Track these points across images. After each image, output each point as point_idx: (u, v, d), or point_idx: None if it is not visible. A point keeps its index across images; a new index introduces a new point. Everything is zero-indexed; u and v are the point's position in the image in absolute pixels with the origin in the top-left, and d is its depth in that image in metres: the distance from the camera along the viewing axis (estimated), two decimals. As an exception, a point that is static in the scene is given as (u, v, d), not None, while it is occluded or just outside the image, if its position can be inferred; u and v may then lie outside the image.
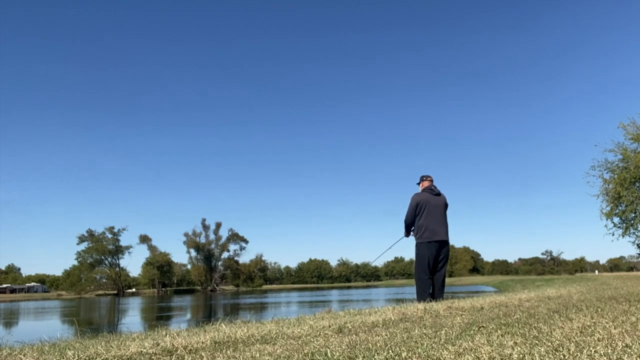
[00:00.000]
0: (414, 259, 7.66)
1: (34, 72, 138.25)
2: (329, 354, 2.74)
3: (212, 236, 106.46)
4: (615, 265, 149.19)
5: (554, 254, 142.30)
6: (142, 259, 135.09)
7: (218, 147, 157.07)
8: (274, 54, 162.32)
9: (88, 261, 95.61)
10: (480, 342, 2.76)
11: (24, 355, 3.21)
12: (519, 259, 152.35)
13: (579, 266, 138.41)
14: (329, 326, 4.13)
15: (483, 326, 3.56)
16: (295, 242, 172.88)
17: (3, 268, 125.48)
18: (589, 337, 2.76)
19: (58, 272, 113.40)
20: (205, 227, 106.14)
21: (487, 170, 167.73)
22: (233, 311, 25.60)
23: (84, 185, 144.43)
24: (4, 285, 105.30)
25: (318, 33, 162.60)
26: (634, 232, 23.12)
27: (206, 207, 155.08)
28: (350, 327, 4.14)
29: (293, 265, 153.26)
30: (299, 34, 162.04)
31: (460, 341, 2.87)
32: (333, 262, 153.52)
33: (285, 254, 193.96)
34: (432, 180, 7.82)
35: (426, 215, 7.47)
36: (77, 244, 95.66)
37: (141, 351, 3.26)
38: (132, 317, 28.11)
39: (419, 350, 2.67)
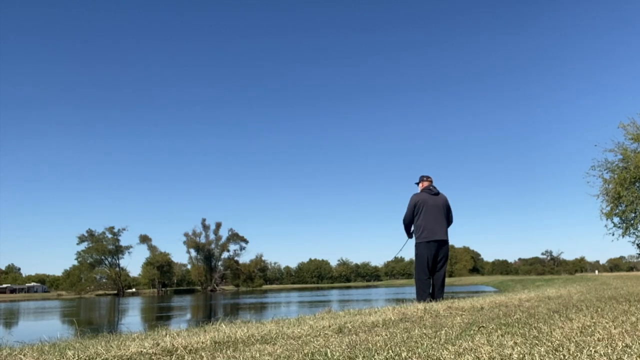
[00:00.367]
0: (414, 259, 7.67)
1: (34, 71, 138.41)
2: (329, 354, 2.74)
3: (212, 236, 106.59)
4: (615, 265, 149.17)
5: (554, 254, 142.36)
6: (142, 259, 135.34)
7: (218, 147, 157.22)
8: (274, 54, 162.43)
9: (88, 261, 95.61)
10: (480, 342, 2.76)
11: (24, 355, 3.21)
12: (519, 259, 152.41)
13: (579, 266, 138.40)
14: (329, 326, 4.13)
15: (483, 326, 3.56)
16: (295, 242, 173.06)
17: (3, 268, 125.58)
18: (589, 337, 2.75)
19: (58, 272, 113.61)
20: (205, 227, 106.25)
21: (487, 170, 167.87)
22: (233, 311, 25.60)
23: (84, 185, 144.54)
24: (4, 285, 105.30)
25: (318, 33, 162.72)
26: (634, 232, 23.12)
27: (206, 207, 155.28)
28: (350, 327, 4.14)
29: (293, 265, 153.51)
30: (299, 34, 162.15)
31: (460, 341, 2.87)
32: (333, 262, 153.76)
33: (285, 254, 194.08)
34: (431, 181, 7.83)
35: (424, 215, 7.47)
36: (77, 244, 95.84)
37: (141, 351, 3.26)
38: (132, 317, 28.11)
39: (419, 350, 2.67)
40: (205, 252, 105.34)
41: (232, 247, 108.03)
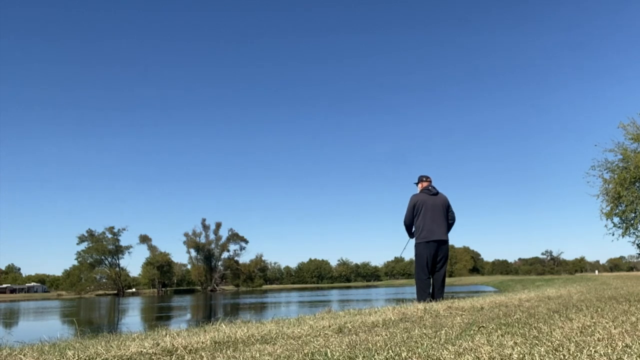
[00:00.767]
0: (414, 259, 7.68)
1: (34, 72, 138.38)
2: (329, 354, 2.74)
3: (212, 236, 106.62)
4: (615, 265, 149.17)
5: (554, 254, 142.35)
6: (142, 259, 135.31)
7: (218, 147, 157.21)
8: (274, 54, 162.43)
9: (88, 261, 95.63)
10: (480, 342, 2.76)
11: (24, 355, 3.21)
12: (519, 259, 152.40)
13: (579, 266, 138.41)
14: (329, 326, 4.13)
15: (483, 326, 3.56)
16: (295, 242, 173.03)
17: (3, 268, 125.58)
18: (589, 337, 2.75)
19: (58, 272, 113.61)
20: (205, 227, 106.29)
21: (487, 170, 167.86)
22: (233, 311, 25.60)
23: (84, 185, 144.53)
24: (4, 285, 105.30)
25: (318, 33, 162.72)
26: (634, 232, 23.11)
27: (206, 207, 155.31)
28: (350, 327, 4.14)
29: (293, 265, 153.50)
30: (299, 34, 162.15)
31: (460, 341, 2.87)
32: (333, 262, 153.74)
33: (285, 254, 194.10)
34: (430, 181, 7.83)
35: (424, 215, 7.48)
36: (77, 244, 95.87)
37: (141, 351, 3.26)
38: (132, 317, 28.11)
39: (419, 350, 2.67)
40: (205, 252, 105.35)
41: (232, 247, 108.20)
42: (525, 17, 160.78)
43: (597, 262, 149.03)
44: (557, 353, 2.39)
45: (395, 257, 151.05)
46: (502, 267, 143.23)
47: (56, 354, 3.27)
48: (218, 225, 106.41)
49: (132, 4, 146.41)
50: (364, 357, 2.62)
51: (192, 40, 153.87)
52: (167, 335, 3.92)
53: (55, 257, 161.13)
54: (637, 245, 23.86)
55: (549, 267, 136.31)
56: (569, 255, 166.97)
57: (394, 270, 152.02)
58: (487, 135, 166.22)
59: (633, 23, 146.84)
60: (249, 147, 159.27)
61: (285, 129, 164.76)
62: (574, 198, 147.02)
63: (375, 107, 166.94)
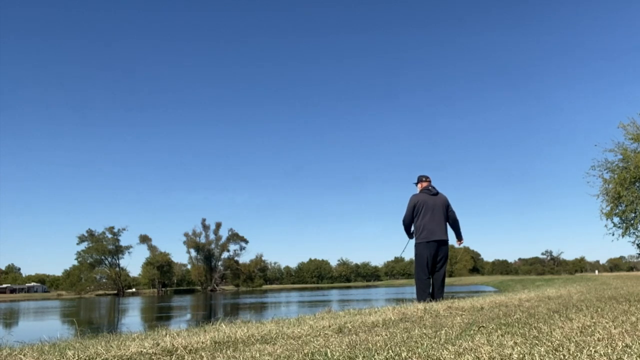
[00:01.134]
0: (414, 259, 7.68)
1: (34, 72, 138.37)
2: (329, 354, 2.74)
3: (212, 236, 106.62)
4: (615, 265, 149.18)
5: (554, 254, 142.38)
6: (142, 259, 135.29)
7: (218, 147, 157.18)
8: (274, 54, 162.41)
9: (88, 261, 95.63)
10: (480, 342, 2.76)
11: (24, 355, 3.21)
12: (519, 259, 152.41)
13: (579, 266, 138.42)
14: (329, 326, 4.13)
15: (483, 326, 3.56)
16: (295, 242, 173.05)
17: (3, 268, 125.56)
18: (589, 337, 2.76)
19: (58, 272, 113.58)
20: (205, 227, 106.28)
21: (487, 170, 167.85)
22: (233, 311, 25.61)
23: (84, 185, 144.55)
24: (4, 285, 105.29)
25: (318, 33, 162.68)
26: (634, 232, 23.12)
27: (206, 207, 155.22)
28: (350, 327, 4.14)
29: (293, 265, 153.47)
30: (298, 34, 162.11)
31: (460, 341, 2.87)
32: (333, 262, 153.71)
33: (285, 254, 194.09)
34: (430, 181, 7.84)
35: (424, 215, 7.49)
36: (77, 244, 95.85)
37: (141, 351, 3.26)
38: (132, 317, 28.11)
39: (419, 350, 2.67)
40: (205, 252, 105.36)
41: (232, 247, 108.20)
42: (525, 17, 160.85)
43: (597, 262, 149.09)
44: (557, 353, 2.39)
45: (395, 257, 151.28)
46: (502, 267, 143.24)
47: (56, 354, 3.27)
48: (218, 225, 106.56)
49: (132, 4, 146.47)
50: (364, 357, 2.62)
51: (192, 40, 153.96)
52: (167, 335, 3.92)
53: (55, 257, 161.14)
54: (637, 245, 23.87)
55: (549, 267, 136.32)
56: (569, 255, 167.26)
57: (394, 270, 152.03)
58: (487, 135, 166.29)
59: (633, 23, 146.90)
60: (249, 147, 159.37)
61: (285, 129, 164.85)
62: (574, 198, 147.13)
63: (375, 107, 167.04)
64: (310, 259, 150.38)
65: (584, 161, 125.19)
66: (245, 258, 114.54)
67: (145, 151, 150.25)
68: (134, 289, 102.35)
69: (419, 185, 7.87)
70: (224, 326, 4.48)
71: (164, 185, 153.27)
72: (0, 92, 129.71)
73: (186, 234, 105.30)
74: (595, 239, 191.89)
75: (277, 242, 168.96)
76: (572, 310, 4.42)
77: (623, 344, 2.49)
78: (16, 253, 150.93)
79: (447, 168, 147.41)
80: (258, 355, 2.94)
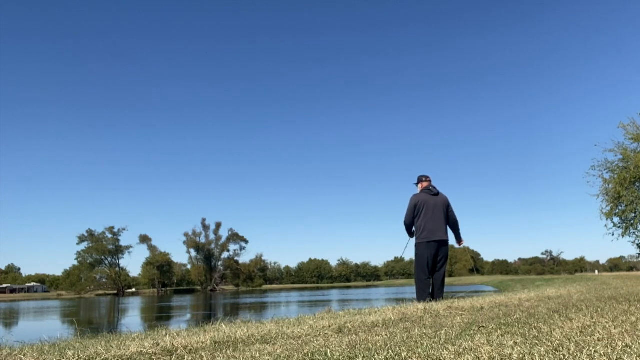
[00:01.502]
0: (414, 259, 7.68)
1: (34, 72, 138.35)
2: (329, 354, 2.74)
3: (212, 236, 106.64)
4: (615, 265, 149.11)
5: (554, 254, 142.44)
6: (142, 259, 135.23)
7: (218, 147, 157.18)
8: (274, 54, 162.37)
9: (88, 261, 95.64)
10: (480, 342, 2.76)
11: (24, 355, 3.21)
12: (519, 259, 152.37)
13: (579, 266, 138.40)
14: (329, 326, 4.13)
15: (483, 326, 3.56)
16: (295, 242, 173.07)
17: (3, 268, 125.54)
18: (589, 337, 2.75)
19: (58, 272, 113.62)
20: (205, 227, 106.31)
21: (487, 170, 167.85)
22: (233, 311, 25.61)
23: (84, 185, 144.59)
24: (4, 285, 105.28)
25: (318, 33, 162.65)
26: (634, 232, 23.11)
27: (206, 207, 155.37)
28: (350, 327, 4.14)
29: (293, 265, 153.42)
30: (298, 34, 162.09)
31: (460, 341, 2.87)
32: (333, 262, 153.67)
33: (285, 254, 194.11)
34: (430, 181, 7.83)
35: (424, 215, 7.49)
36: (77, 244, 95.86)
37: (141, 351, 3.26)
38: (132, 317, 28.11)
39: (419, 350, 2.67)
40: (205, 252, 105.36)
41: (232, 247, 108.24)
42: (525, 17, 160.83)
43: (597, 262, 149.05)
44: (557, 353, 2.39)
45: (395, 257, 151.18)
46: (502, 267, 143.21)
47: (56, 354, 3.27)
48: (218, 225, 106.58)
49: (132, 4, 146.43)
50: (364, 357, 2.62)
51: (192, 40, 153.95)
52: (167, 335, 3.92)
53: (55, 257, 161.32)
54: (637, 245, 23.87)
55: (549, 267, 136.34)
56: (569, 255, 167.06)
57: (394, 270, 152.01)
58: (487, 135, 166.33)
59: (633, 23, 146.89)
60: (249, 147, 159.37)
61: (285, 129, 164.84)
62: (574, 198, 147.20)
63: (375, 107, 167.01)
64: (310, 259, 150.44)
65: (584, 161, 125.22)
66: (245, 258, 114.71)
67: (145, 151, 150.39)
68: (134, 289, 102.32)
69: (420, 185, 7.87)
70: (224, 326, 4.48)
71: (164, 185, 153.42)
72: (0, 92, 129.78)
73: (186, 234, 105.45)
74: (595, 239, 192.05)
75: (277, 242, 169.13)
76: (572, 310, 4.42)
77: (623, 344, 2.49)
78: (16, 253, 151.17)
79: (447, 168, 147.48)
80: (258, 355, 2.94)
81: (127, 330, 5.16)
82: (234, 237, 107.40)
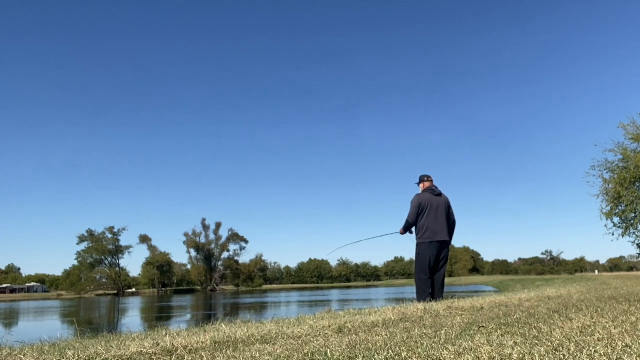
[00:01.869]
0: (414, 258, 7.67)
1: (34, 72, 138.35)
2: (329, 354, 2.74)
3: (212, 236, 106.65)
4: (615, 265, 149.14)
5: (554, 254, 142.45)
6: (142, 259, 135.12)
7: (218, 147, 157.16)
8: (274, 54, 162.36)
9: (88, 261, 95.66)
10: (480, 342, 2.76)
11: (24, 355, 3.21)
12: (519, 259, 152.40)
13: (579, 266, 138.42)
14: (329, 326, 4.13)
15: (483, 326, 3.56)
16: (295, 242, 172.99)
17: (3, 268, 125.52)
18: (589, 337, 2.76)
19: (58, 272, 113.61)
20: (205, 227, 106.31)
21: (486, 170, 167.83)
22: (233, 311, 25.61)
23: (84, 185, 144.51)
24: (4, 285, 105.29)
25: (318, 33, 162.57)
26: (634, 232, 23.13)
27: (206, 207, 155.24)
28: (350, 327, 4.14)
29: (293, 265, 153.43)
30: (298, 34, 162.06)
31: (460, 341, 2.87)
32: (333, 262, 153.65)
33: (285, 254, 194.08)
34: (432, 181, 7.83)
35: (427, 215, 7.49)
36: (77, 244, 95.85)
37: (141, 351, 3.26)
38: (132, 317, 28.12)
39: (419, 350, 2.67)
40: (205, 252, 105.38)
41: (232, 247, 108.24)
42: (525, 17, 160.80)
43: (597, 262, 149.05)
44: (557, 353, 2.39)
45: (395, 257, 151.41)
46: (502, 267, 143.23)
47: (56, 354, 3.27)
48: (218, 225, 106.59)
49: (132, 4, 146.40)
50: (364, 357, 2.62)
51: (192, 40, 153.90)
52: (167, 335, 3.92)
53: (55, 257, 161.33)
54: (637, 245, 23.88)
55: (549, 267, 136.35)
56: (569, 255, 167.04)
57: (394, 270, 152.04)
58: (487, 135, 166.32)
59: (633, 22, 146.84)
60: (249, 147, 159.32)
61: (285, 129, 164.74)
62: (574, 198, 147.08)
63: (375, 107, 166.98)
64: (310, 259, 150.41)
65: (584, 161, 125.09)
66: (245, 258, 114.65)
67: (145, 151, 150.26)
68: (134, 289, 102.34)
69: (422, 185, 7.85)
70: (224, 326, 4.48)
71: (164, 185, 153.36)
72: (0, 92, 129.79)
73: (186, 234, 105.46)
74: (595, 239, 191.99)
75: (277, 242, 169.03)
76: (572, 310, 4.42)
77: (623, 344, 2.49)
78: (16, 253, 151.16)
79: (447, 168, 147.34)
80: (258, 355, 2.94)
81: (127, 330, 5.17)
82: (234, 237, 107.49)
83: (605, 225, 23.26)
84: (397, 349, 2.76)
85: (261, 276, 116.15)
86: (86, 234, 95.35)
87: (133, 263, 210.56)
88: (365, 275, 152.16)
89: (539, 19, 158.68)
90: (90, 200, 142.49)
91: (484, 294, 10.26)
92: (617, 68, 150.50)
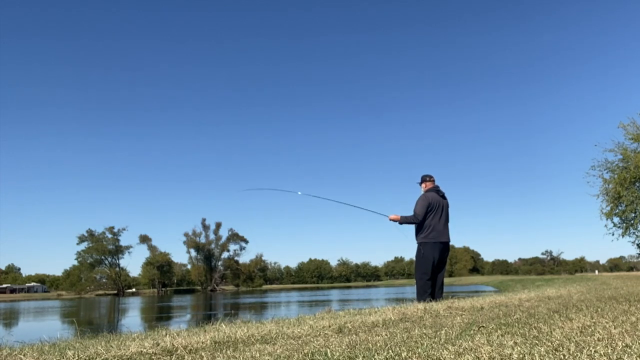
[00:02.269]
0: (415, 258, 7.65)
1: (34, 72, 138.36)
2: (329, 354, 2.74)
3: (212, 236, 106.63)
4: (615, 265, 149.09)
5: (554, 254, 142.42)
6: (142, 259, 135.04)
7: (218, 147, 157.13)
8: (274, 54, 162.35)
9: (88, 261, 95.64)
10: (480, 342, 2.76)
11: (24, 355, 3.21)
12: (519, 259, 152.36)
13: (579, 266, 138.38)
14: (329, 326, 4.13)
15: (483, 326, 3.56)
16: (295, 242, 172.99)
17: (3, 268, 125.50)
18: (589, 337, 2.75)
19: (58, 272, 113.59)
20: (205, 227, 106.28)
21: (486, 170, 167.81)
22: (233, 311, 25.60)
23: (84, 185, 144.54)
24: (4, 285, 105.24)
25: (317, 33, 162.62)
26: (634, 232, 23.12)
27: (206, 207, 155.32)
28: (350, 327, 4.14)
29: (293, 265, 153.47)
30: (297, 34, 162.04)
31: (460, 341, 2.87)
32: (333, 262, 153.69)
33: (285, 254, 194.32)
34: (434, 181, 7.83)
35: (434, 215, 7.48)
36: (77, 244, 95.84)
37: (141, 351, 3.26)
38: (132, 317, 28.11)
39: (419, 350, 2.67)
40: (205, 252, 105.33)
41: (232, 247, 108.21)
42: (525, 17, 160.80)
43: (597, 262, 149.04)
44: (557, 353, 2.39)
45: (395, 257, 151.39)
46: (502, 267, 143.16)
47: (56, 354, 3.27)
48: (218, 225, 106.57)
49: (132, 4, 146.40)
50: (364, 357, 2.62)
51: (192, 40, 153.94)
52: (167, 335, 3.92)
53: (55, 257, 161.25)
54: (637, 245, 23.87)
55: (549, 267, 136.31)
56: (569, 255, 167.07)
57: (394, 270, 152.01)
58: (487, 135, 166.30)
59: (633, 22, 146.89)
60: (249, 147, 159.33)
61: (285, 129, 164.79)
62: (574, 198, 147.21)
63: (375, 107, 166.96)
64: (310, 259, 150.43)
65: (584, 161, 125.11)
66: (245, 258, 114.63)
67: (145, 151, 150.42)
68: (134, 289, 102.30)
69: (424, 185, 7.81)
70: (224, 326, 4.47)
71: (164, 185, 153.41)
72: (0, 92, 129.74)
73: (186, 234, 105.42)
74: (595, 239, 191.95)
75: (277, 242, 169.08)
76: (572, 310, 4.42)
77: (623, 344, 2.49)
78: (16, 253, 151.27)
79: (447, 168, 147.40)
80: (258, 355, 2.94)
81: (127, 330, 5.16)
82: (234, 237, 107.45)
83: (605, 225, 23.28)
84: (397, 349, 2.76)
85: (261, 276, 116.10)
86: (86, 234, 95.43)
87: (133, 263, 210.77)
88: (365, 275, 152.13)
89: (539, 19, 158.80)
90: (90, 200, 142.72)
91: (484, 294, 10.26)
92: (617, 68, 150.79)
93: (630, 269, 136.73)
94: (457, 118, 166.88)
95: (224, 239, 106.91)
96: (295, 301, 36.78)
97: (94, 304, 49.92)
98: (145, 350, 3.27)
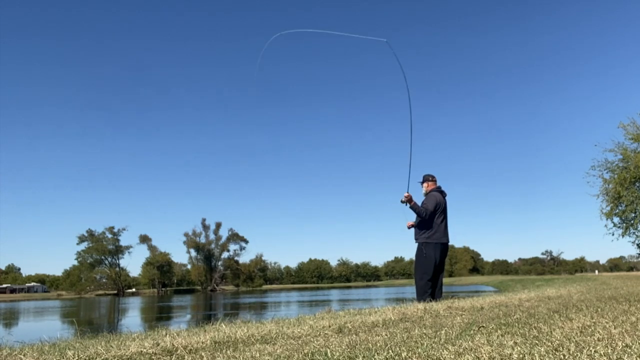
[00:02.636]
0: (415, 258, 7.64)
1: (34, 72, 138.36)
2: (329, 354, 2.74)
3: (212, 236, 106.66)
4: (615, 265, 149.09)
5: (554, 254, 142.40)
6: (142, 259, 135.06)
7: (218, 147, 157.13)
8: (274, 54, 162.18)
9: (88, 261, 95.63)
10: (480, 342, 2.76)
11: (24, 355, 3.21)
12: (519, 259, 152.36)
13: (579, 266, 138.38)
14: (329, 326, 4.13)
15: (483, 326, 3.56)
16: (295, 242, 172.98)
17: (3, 268, 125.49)
18: (589, 337, 2.75)
19: (58, 272, 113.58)
20: (205, 227, 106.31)
21: (486, 170, 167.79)
22: (233, 311, 25.59)
23: (84, 185, 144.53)
24: (4, 285, 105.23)
25: (317, 33, 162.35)
26: (634, 232, 23.12)
27: (206, 207, 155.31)
28: (350, 327, 4.14)
29: (293, 265, 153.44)
30: (297, 34, 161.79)
31: (460, 341, 2.87)
32: (333, 262, 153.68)
33: (285, 254, 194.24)
34: (435, 181, 7.82)
35: (439, 216, 7.49)
36: (77, 244, 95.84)
37: (141, 351, 3.26)
38: (132, 317, 28.11)
39: (419, 350, 2.67)
40: (205, 252, 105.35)
41: (232, 247, 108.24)
42: (525, 17, 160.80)
43: (597, 262, 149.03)
44: (557, 353, 2.39)
45: (395, 257, 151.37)
46: (502, 267, 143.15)
47: (56, 354, 3.27)
48: (218, 225, 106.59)
49: (132, 4, 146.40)
50: (364, 357, 2.62)
51: (192, 40, 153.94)
52: (167, 335, 3.92)
53: (55, 257, 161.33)
54: (637, 245, 23.87)
55: (549, 267, 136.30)
56: (569, 255, 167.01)
57: (394, 270, 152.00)
58: (487, 135, 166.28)
59: (633, 23, 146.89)
60: (249, 147, 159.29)
61: (285, 129, 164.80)
62: (574, 198, 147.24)
63: (375, 107, 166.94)
64: (310, 259, 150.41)
65: (584, 161, 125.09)
66: (245, 258, 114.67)
67: (145, 151, 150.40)
68: (134, 289, 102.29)
69: (425, 184, 7.79)
70: (224, 326, 4.47)
71: (164, 185, 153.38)
72: (0, 92, 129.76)
73: (186, 234, 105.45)
74: (595, 239, 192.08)
75: (277, 242, 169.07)
76: (572, 310, 4.42)
77: (623, 344, 2.49)
78: (16, 253, 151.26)
79: (447, 168, 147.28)
80: (258, 355, 2.94)
81: (127, 330, 5.17)
82: (234, 237, 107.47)
83: (605, 225, 23.29)
84: (397, 349, 2.76)
85: (261, 276, 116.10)
86: (86, 234, 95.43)
87: (133, 263, 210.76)
88: (365, 275, 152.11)
89: (539, 19, 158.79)
90: (90, 200, 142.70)
91: (484, 294, 10.26)
92: (617, 68, 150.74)
93: (630, 269, 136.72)
94: (457, 118, 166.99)
95: (224, 239, 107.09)
96: (295, 301, 36.78)
97: (94, 304, 49.93)
98: (145, 350, 3.27)
